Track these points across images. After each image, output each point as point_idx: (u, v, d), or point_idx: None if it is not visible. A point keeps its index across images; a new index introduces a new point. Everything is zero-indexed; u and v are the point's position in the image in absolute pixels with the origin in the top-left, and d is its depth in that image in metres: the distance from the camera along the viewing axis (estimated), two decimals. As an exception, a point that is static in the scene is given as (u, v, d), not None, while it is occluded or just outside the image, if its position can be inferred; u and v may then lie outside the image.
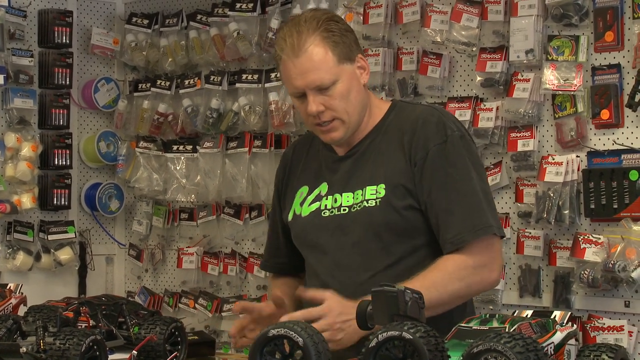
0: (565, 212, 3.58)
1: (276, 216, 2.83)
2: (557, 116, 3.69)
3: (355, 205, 2.62)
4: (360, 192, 2.62)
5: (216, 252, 4.80)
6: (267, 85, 4.51)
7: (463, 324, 2.01)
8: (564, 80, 3.64)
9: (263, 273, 4.60)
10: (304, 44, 2.57)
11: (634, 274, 3.36)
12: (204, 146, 4.72)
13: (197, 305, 4.77)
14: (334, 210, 2.64)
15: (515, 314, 2.16)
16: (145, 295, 4.98)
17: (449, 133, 2.59)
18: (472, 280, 2.53)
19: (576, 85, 3.61)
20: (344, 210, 2.63)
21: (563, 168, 3.60)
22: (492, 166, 3.83)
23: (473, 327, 2.00)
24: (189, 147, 4.80)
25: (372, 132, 2.69)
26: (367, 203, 2.60)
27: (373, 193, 2.61)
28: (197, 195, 4.76)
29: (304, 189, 2.73)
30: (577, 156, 3.62)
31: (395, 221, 2.59)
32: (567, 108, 3.66)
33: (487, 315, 2.05)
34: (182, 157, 4.81)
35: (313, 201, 2.68)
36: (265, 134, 4.55)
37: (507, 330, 1.95)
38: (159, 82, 4.90)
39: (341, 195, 2.65)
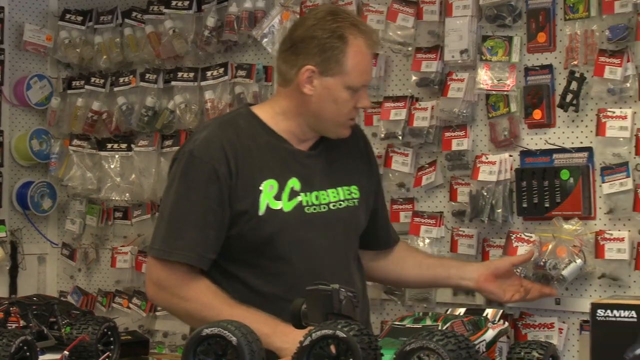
0: (499, 210, 3.62)
1: (218, 209, 2.62)
2: (490, 116, 3.72)
3: (334, 204, 2.66)
4: (334, 191, 2.68)
5: (151, 251, 4.75)
6: (203, 83, 4.49)
7: (396, 322, 2.02)
8: (498, 81, 3.67)
9: (198, 272, 4.58)
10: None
11: (564, 272, 3.41)
12: (139, 144, 4.68)
13: (131, 305, 4.73)
14: (316, 207, 2.66)
15: (448, 312, 2.18)
16: (78, 295, 4.92)
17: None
18: None
19: (509, 85, 3.65)
20: (324, 207, 2.66)
21: (496, 167, 3.64)
22: (426, 165, 3.85)
23: (406, 325, 2.01)
24: (124, 146, 4.75)
25: (323, 136, 2.79)
26: (348, 202, 2.67)
27: (349, 193, 2.69)
28: (131, 194, 4.71)
29: (272, 183, 2.65)
30: (510, 155, 3.65)
31: (364, 222, 2.76)
32: (501, 108, 3.69)
33: (421, 314, 2.07)
34: (117, 156, 4.77)
35: (291, 196, 2.65)
36: (201, 133, 4.52)
37: (439, 328, 1.97)
38: (93, 79, 4.85)
39: (319, 193, 2.67)
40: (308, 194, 2.64)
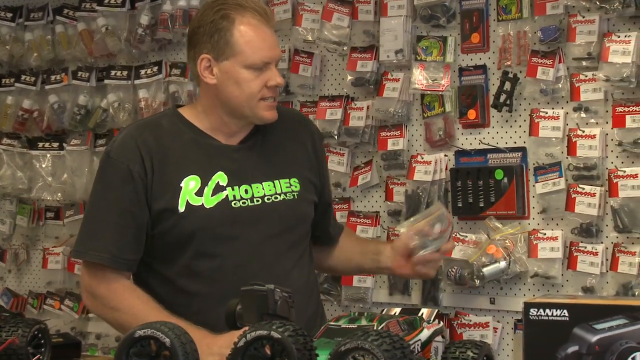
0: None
1: (135, 209, 2.58)
2: (426, 116, 3.75)
3: (269, 197, 2.62)
4: (270, 184, 2.63)
5: (83, 252, 4.71)
6: (136, 82, 4.45)
7: (332, 323, 2.02)
8: (433, 81, 3.70)
9: (132, 273, 4.55)
10: (270, 13, 2.62)
11: (485, 270, 3.45)
12: (71, 143, 4.63)
13: (62, 307, 4.68)
14: (245, 200, 2.60)
15: (383, 312, 2.18)
16: (8, 296, 4.86)
17: (321, 134, 2.94)
18: None
19: (444, 85, 3.68)
20: (257, 201, 2.61)
21: (432, 167, 3.66)
22: (362, 165, 3.86)
23: (342, 326, 2.01)
24: (55, 145, 4.70)
25: (257, 127, 2.71)
26: (286, 196, 2.63)
27: (287, 186, 2.65)
28: (63, 194, 4.66)
29: (194, 179, 2.60)
30: (445, 155, 3.68)
31: (306, 215, 2.72)
32: (436, 108, 3.72)
33: (356, 314, 2.07)
34: (48, 155, 4.71)
35: (215, 191, 2.61)
36: (135, 132, 4.49)
37: (375, 328, 1.97)
38: (23, 77, 4.78)
39: (250, 186, 2.62)
40: (236, 188, 2.61)
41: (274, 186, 2.64)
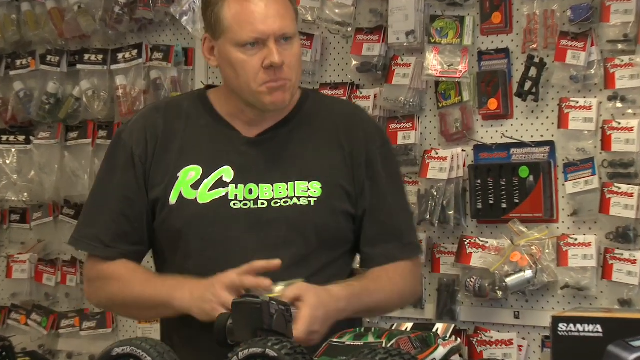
0: (450, 212, 3.65)
1: (134, 197, 2.61)
2: (441, 106, 3.75)
3: (277, 200, 2.55)
4: (283, 186, 2.55)
5: (53, 260, 4.71)
6: (113, 67, 4.45)
7: (335, 339, 2.02)
8: (448, 66, 3.70)
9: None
10: None
11: (508, 280, 3.45)
12: (39, 137, 4.63)
13: (29, 322, 4.68)
14: (248, 202, 2.55)
15: (393, 327, 2.18)
16: (-32, 310, 4.86)
17: (385, 138, 2.75)
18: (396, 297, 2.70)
19: (461, 71, 3.68)
20: (262, 204, 2.55)
21: (447, 163, 3.66)
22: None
23: (346, 343, 2.01)
24: (21, 138, 4.70)
25: (288, 118, 2.64)
26: (298, 201, 2.54)
27: (304, 190, 2.55)
28: (30, 194, 4.67)
29: (195, 169, 2.59)
30: (463, 150, 3.68)
31: (328, 226, 2.59)
32: (452, 97, 3.72)
33: (363, 329, 2.07)
34: (13, 150, 4.72)
35: (214, 187, 2.59)
36: (112, 124, 4.49)
37: (383, 345, 1.97)
38: (-15, 62, 4.79)
39: (257, 186, 2.56)
40: (240, 186, 2.57)
41: (287, 189, 2.57)
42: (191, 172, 2.59)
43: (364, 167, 2.62)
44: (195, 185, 2.57)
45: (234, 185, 2.57)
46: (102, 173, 2.71)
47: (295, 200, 2.55)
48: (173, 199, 2.58)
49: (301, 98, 2.68)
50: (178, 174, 2.59)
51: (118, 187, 2.64)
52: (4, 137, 4.75)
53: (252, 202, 2.56)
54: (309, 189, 2.56)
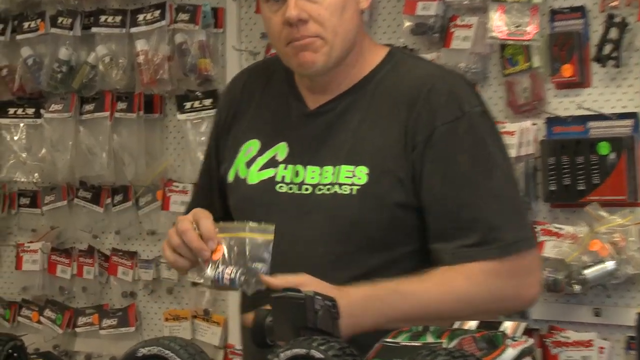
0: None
1: (211, 166, 2.73)
2: (507, 73, 3.74)
3: (322, 187, 2.50)
4: (330, 169, 2.48)
5: (68, 249, 4.76)
6: (133, 30, 4.47)
7: (389, 339, 2.03)
8: (516, 27, 3.69)
9: (130, 275, 4.58)
10: None
11: (587, 272, 3.44)
12: (51, 110, 4.67)
13: (42, 319, 4.73)
14: (293, 186, 2.52)
15: (455, 326, 2.19)
16: (-27, 305, 4.92)
17: (466, 108, 2.48)
18: (481, 304, 2.49)
19: (531, 33, 3.66)
20: (306, 189, 2.51)
21: (516, 139, 3.66)
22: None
23: (401, 343, 2.01)
24: (31, 111, 4.74)
25: (358, 85, 2.56)
26: (340, 188, 2.48)
27: (349, 176, 2.46)
28: (41, 174, 4.71)
29: (254, 144, 2.58)
30: (534, 124, 3.67)
31: (372, 221, 2.48)
32: (520, 62, 3.71)
33: (420, 328, 2.08)
34: (22, 124, 4.76)
35: (265, 166, 2.58)
36: (132, 94, 4.52)
37: (444, 346, 1.98)
38: (-11, 25, 4.83)
39: (305, 168, 2.51)
40: (289, 167, 2.55)
41: (334, 173, 2.53)
42: (250, 147, 2.59)
43: (424, 148, 2.46)
44: (249, 163, 2.58)
45: (283, 165, 2.54)
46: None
47: (337, 187, 2.48)
48: (231, 177, 2.61)
49: (382, 61, 2.58)
50: (240, 148, 2.61)
51: (205, 158, 2.79)
52: (11, 110, 4.79)
53: (297, 186, 2.52)
54: (354, 175, 2.47)
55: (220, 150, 2.68)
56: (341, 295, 2.19)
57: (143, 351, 1.90)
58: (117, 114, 4.55)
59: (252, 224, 2.39)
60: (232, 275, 2.35)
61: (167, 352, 1.88)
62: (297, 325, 1.99)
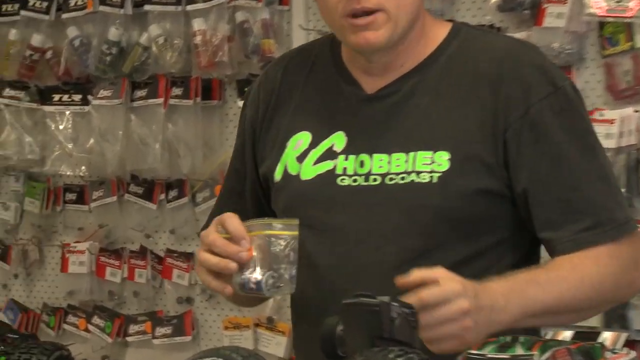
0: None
1: (244, 168, 2.68)
2: (606, 54, 3.72)
3: (393, 176, 2.49)
4: (402, 156, 2.47)
5: (118, 250, 4.80)
6: (189, 7, 4.50)
7: (473, 351, 2.03)
8: (617, 2, 3.66)
9: (187, 279, 4.60)
10: None
11: None
12: (99, 96, 4.71)
13: (90, 327, 4.77)
14: (357, 177, 2.50)
15: (548, 336, 2.18)
16: (15, 311, 4.96)
17: (559, 82, 2.48)
18: (608, 289, 2.49)
19: (633, 9, 3.64)
20: (375, 180, 2.50)
21: (616, 128, 3.63)
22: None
23: (487, 355, 2.01)
24: (77, 98, 4.78)
25: (423, 64, 2.55)
26: (417, 177, 2.48)
27: (427, 163, 2.45)
28: (89, 167, 4.75)
29: (304, 137, 2.57)
30: (636, 111, 3.65)
31: (459, 211, 2.47)
32: (621, 42, 3.69)
33: (509, 339, 2.07)
34: (67, 112, 4.80)
35: (321, 158, 2.57)
36: (188, 79, 4.54)
37: (536, 359, 1.97)
38: (31, 2, 4.86)
39: (371, 157, 2.50)
40: (351, 157, 2.53)
41: (407, 160, 2.51)
42: (299, 141, 2.57)
43: (520, 129, 2.46)
44: (301, 158, 2.55)
45: (344, 156, 2.53)
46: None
47: (413, 176, 2.46)
48: (278, 175, 2.58)
49: (447, 37, 2.56)
50: (287, 143, 2.58)
51: (232, 159, 2.73)
52: (56, 97, 4.82)
53: (363, 177, 2.50)
54: (433, 161, 2.45)
55: (258, 149, 2.65)
56: (484, 290, 2.23)
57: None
58: (171, 101, 4.58)
59: (275, 220, 2.39)
60: (259, 279, 2.33)
61: (228, 364, 1.89)
62: (371, 335, 1.99)
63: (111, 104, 4.68)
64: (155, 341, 4.64)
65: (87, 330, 4.78)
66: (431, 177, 2.45)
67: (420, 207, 2.46)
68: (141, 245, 4.74)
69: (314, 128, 2.56)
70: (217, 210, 2.65)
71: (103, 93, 4.70)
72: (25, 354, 2.46)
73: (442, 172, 2.45)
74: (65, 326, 4.85)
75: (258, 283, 2.31)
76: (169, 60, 4.51)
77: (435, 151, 2.46)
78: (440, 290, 2.19)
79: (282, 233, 2.35)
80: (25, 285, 5.04)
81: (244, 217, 2.48)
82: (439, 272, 2.23)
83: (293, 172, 2.55)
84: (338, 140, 2.54)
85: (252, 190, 2.66)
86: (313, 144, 2.54)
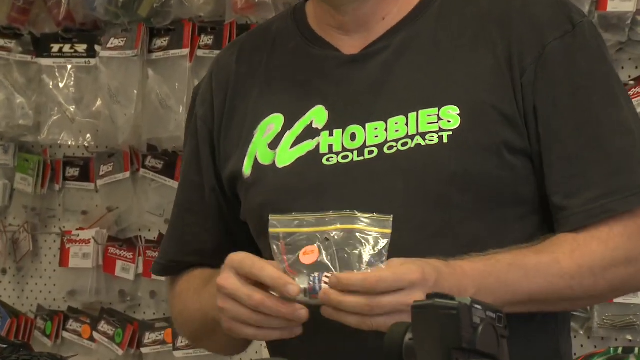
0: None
1: (197, 184, 2.72)
2: None
3: (393, 144, 2.51)
4: (401, 120, 2.50)
5: (131, 239, 4.85)
6: None
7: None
8: None
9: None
10: None
11: None
12: (109, 46, 4.76)
13: (96, 335, 4.81)
14: (349, 153, 2.55)
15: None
16: (3, 315, 5.01)
17: (577, 19, 2.54)
18: (617, 275, 2.49)
19: None
20: (371, 152, 2.54)
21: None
22: (632, 83, 3.87)
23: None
24: (82, 48, 4.84)
25: (412, 15, 2.60)
26: (423, 140, 2.50)
27: (434, 121, 2.48)
28: (95, 136, 4.79)
29: (275, 120, 2.61)
30: None
31: (477, 174, 2.50)
32: None
33: (620, 351, 2.10)
34: (69, 66, 4.86)
35: (300, 139, 2.62)
36: (221, 24, 4.59)
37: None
38: None
39: (364, 128, 2.56)
40: (337, 132, 2.56)
41: (407, 123, 2.54)
42: (270, 125, 2.60)
43: (536, 71, 2.51)
44: (274, 143, 2.59)
45: (327, 132, 2.57)
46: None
47: (418, 139, 2.49)
48: (247, 170, 2.61)
49: None
50: (254, 132, 2.63)
51: (184, 169, 2.77)
52: (55, 47, 4.87)
53: (355, 152, 2.52)
54: (439, 119, 2.48)
55: (219, 150, 2.69)
56: (451, 271, 2.29)
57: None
58: (199, 52, 4.61)
59: (363, 213, 2.38)
60: None
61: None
62: (447, 345, 2.01)
63: (124, 56, 4.72)
64: (177, 353, 4.67)
65: (92, 339, 4.82)
66: (440, 136, 2.49)
67: (431, 174, 2.49)
68: (160, 233, 4.77)
69: (286, 108, 2.59)
70: (173, 231, 2.77)
71: (114, 42, 4.74)
72: (17, 367, 2.51)
73: (453, 129, 2.49)
74: (65, 334, 4.89)
75: None
76: (196, 1, 4.54)
77: (440, 107, 2.51)
78: (392, 275, 2.26)
79: (371, 229, 2.35)
80: (16, 283, 5.09)
81: (203, 238, 2.65)
82: (390, 263, 2.30)
83: (266, 162, 2.58)
84: (317, 115, 2.57)
85: (212, 204, 2.70)
86: (287, 126, 2.58)
